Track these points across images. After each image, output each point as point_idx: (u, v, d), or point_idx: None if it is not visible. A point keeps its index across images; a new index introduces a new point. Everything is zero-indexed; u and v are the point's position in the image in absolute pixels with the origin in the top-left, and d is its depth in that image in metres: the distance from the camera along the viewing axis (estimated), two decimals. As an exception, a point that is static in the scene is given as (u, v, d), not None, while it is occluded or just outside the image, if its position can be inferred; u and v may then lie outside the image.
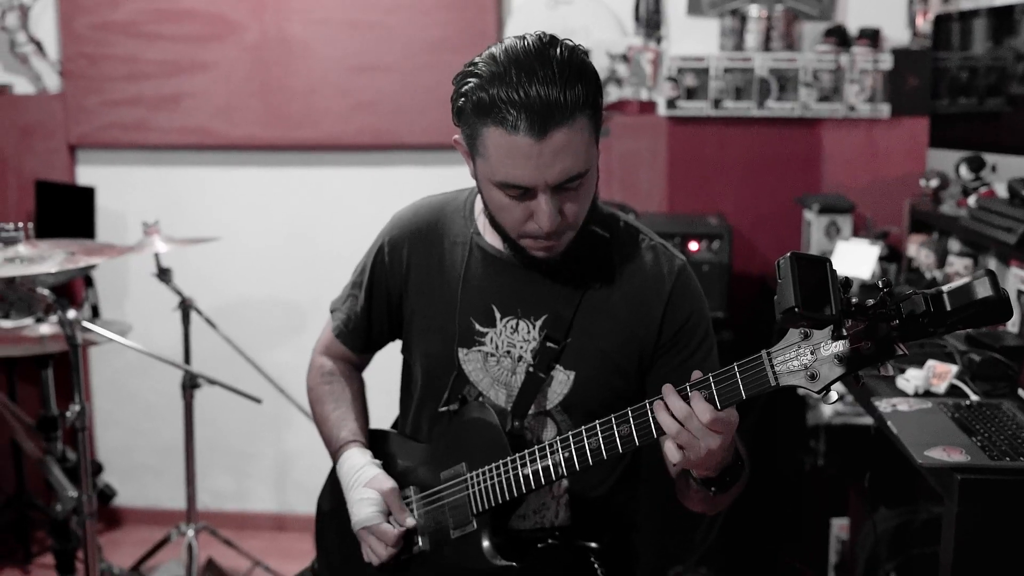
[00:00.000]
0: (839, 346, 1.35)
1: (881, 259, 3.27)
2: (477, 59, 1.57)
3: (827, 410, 3.21)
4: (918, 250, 3.14)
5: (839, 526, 3.28)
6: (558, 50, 1.53)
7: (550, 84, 1.49)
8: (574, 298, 1.75)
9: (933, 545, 2.71)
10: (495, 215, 1.66)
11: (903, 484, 2.96)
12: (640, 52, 3.66)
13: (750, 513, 3.29)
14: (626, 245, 1.80)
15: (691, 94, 3.65)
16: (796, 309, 1.25)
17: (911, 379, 2.19)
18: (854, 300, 1.30)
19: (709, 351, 1.78)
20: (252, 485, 4.12)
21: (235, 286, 3.95)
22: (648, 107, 3.70)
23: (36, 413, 2.92)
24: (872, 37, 3.54)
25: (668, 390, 1.48)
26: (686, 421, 1.45)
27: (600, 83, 1.59)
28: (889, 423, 1.97)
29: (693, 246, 3.31)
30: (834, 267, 1.29)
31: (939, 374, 2.20)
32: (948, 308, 1.29)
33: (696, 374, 1.48)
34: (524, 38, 1.56)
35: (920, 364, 2.26)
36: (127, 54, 3.82)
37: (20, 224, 2.50)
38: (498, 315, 1.78)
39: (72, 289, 3.87)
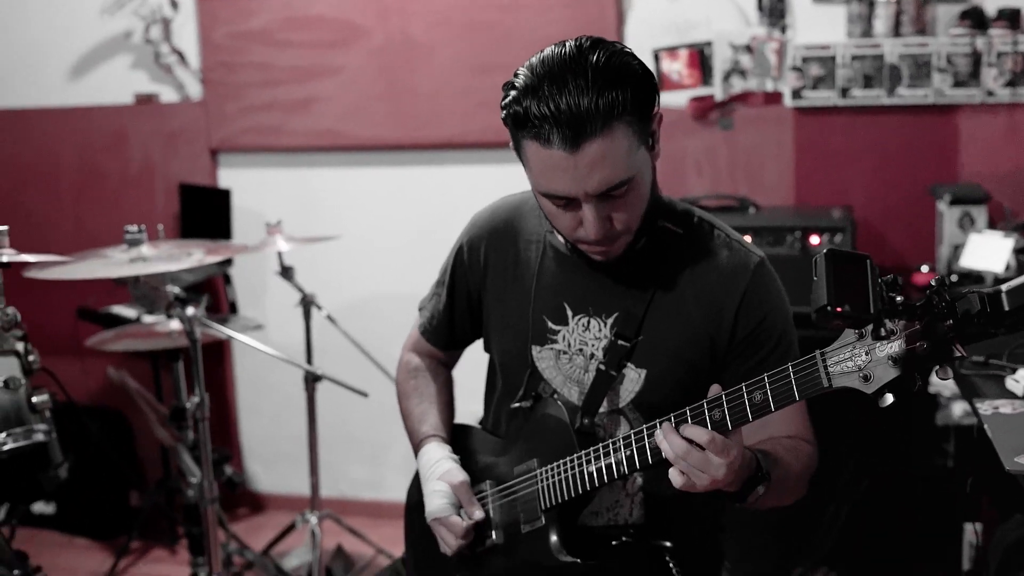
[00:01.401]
0: (894, 347, 1.29)
1: (1018, 252, 3.10)
2: (520, 69, 1.57)
3: (957, 410, 3.07)
4: (1055, 243, 2.97)
5: (971, 531, 3.13)
6: (595, 56, 1.51)
7: (581, 94, 1.48)
8: (645, 296, 1.74)
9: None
10: (550, 220, 1.67)
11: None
12: (764, 42, 3.58)
13: (877, 514, 3.19)
14: (700, 241, 1.77)
15: (817, 83, 3.54)
16: (829, 308, 1.21)
17: (1021, 380, 2.08)
18: (899, 299, 1.25)
19: (786, 353, 1.72)
20: (386, 474, 4.24)
21: (361, 284, 4.07)
22: (773, 98, 3.61)
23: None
24: (1011, 18, 3.34)
25: (667, 428, 1.50)
26: (686, 456, 1.47)
27: (648, 84, 1.56)
28: (986, 426, 1.88)
29: (814, 240, 3.21)
30: (874, 264, 1.24)
31: (1053, 375, 2.08)
32: (1006, 308, 1.22)
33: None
34: (564, 44, 1.56)
35: (1034, 364, 2.14)
36: (262, 61, 3.99)
37: (156, 226, 2.68)
38: (570, 313, 1.79)
39: (215, 287, 4.07)
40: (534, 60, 1.56)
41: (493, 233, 1.89)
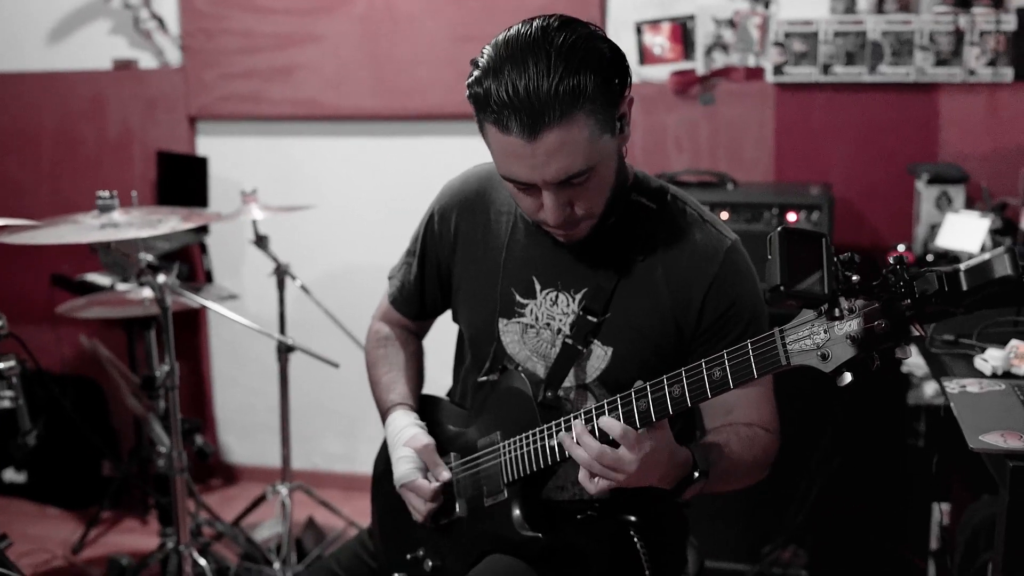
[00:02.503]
0: (852, 326, 1.29)
1: (994, 232, 3.10)
2: (486, 46, 1.54)
3: (928, 390, 3.07)
4: (1031, 223, 2.96)
5: (941, 511, 3.14)
6: (561, 37, 1.48)
7: (541, 78, 1.44)
8: (615, 273, 1.72)
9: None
10: (515, 200, 1.66)
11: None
12: (747, 17, 3.55)
13: (847, 492, 3.20)
14: (672, 220, 1.75)
15: (800, 59, 3.52)
16: (781, 287, 1.20)
17: (990, 359, 2.07)
18: (855, 278, 1.24)
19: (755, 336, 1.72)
20: (359, 447, 4.23)
21: (337, 254, 4.05)
22: (755, 73, 3.59)
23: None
24: (995, -4, 3.33)
25: (579, 427, 1.53)
26: (600, 458, 1.50)
27: (616, 69, 1.52)
28: (952, 404, 1.87)
29: (791, 217, 3.20)
30: (830, 243, 1.23)
31: (1022, 355, 2.07)
32: (964, 288, 1.22)
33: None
34: (531, 23, 1.52)
35: (1003, 343, 2.13)
36: (242, 28, 3.95)
37: (130, 193, 2.65)
38: (538, 287, 1.78)
39: (190, 256, 4.04)
40: (499, 38, 1.53)
41: (464, 202, 1.87)
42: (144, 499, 3.94)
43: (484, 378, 1.85)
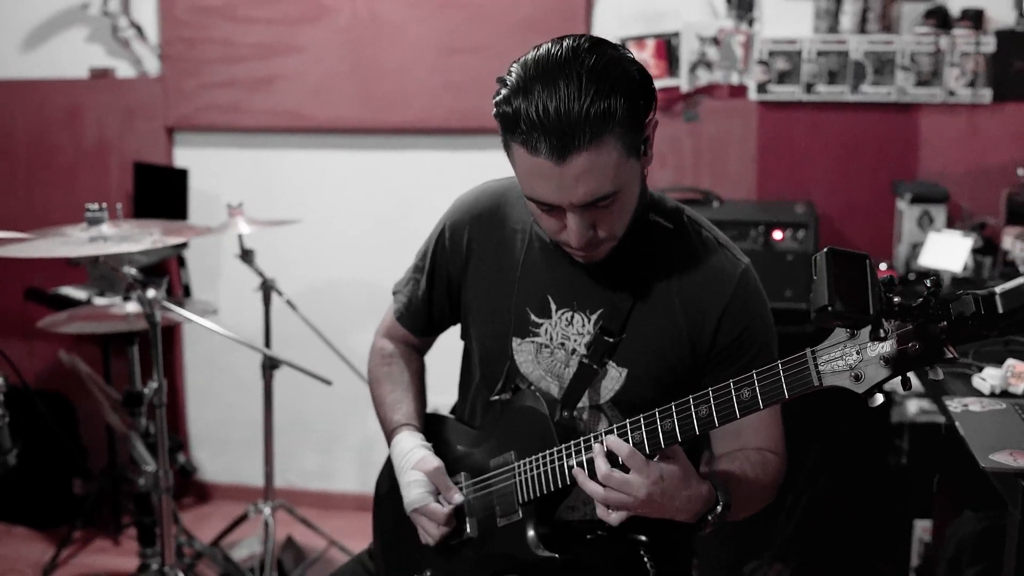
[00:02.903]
0: (886, 347, 1.29)
1: (975, 251, 3.15)
2: (514, 64, 1.53)
3: (912, 407, 3.11)
4: (1013, 243, 3.01)
5: (922, 527, 3.17)
6: (593, 59, 1.46)
7: (573, 101, 1.43)
8: (631, 293, 1.71)
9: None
10: (535, 219, 1.65)
11: (990, 487, 2.84)
12: (731, 35, 3.58)
13: (831, 509, 3.22)
14: (689, 241, 1.75)
15: (783, 78, 3.56)
16: (829, 308, 1.20)
17: (988, 378, 2.10)
18: (896, 300, 1.25)
19: (768, 360, 1.71)
20: (337, 465, 4.19)
21: (323, 268, 4.01)
22: (738, 91, 3.62)
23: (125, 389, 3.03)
24: (975, 18, 3.39)
25: (596, 449, 1.54)
26: (607, 480, 1.51)
27: (644, 92, 1.51)
28: (957, 423, 1.89)
29: (777, 235, 3.23)
30: (874, 264, 1.24)
31: (1018, 374, 2.10)
32: (1000, 310, 1.23)
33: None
34: (561, 42, 1.50)
35: (999, 363, 2.16)
36: (223, 37, 3.91)
37: (115, 205, 2.59)
38: (554, 306, 1.77)
39: (168, 269, 3.98)
40: (528, 57, 1.51)
41: (477, 219, 1.85)
42: (117, 518, 3.85)
43: (496, 397, 1.83)
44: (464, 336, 1.95)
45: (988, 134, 3.46)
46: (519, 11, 3.68)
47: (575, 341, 1.75)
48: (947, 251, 3.09)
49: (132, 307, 2.98)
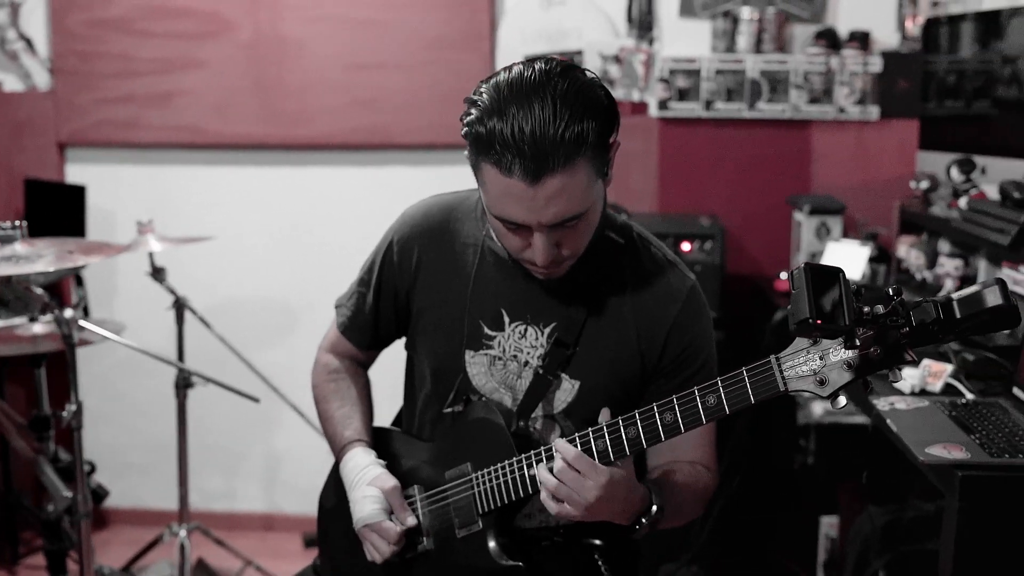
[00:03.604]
0: (849, 352, 1.37)
1: (871, 260, 3.31)
2: (483, 85, 1.54)
3: (817, 409, 3.24)
4: (908, 251, 3.18)
5: (828, 524, 3.31)
6: (566, 83, 1.49)
7: (548, 124, 1.45)
8: (584, 306, 1.75)
9: (922, 542, 2.76)
10: (498, 237, 1.67)
11: (893, 482, 2.99)
12: (632, 53, 3.68)
13: (741, 511, 3.33)
14: (639, 257, 1.80)
15: (683, 95, 3.67)
16: (811, 320, 1.26)
17: (907, 378, 2.22)
18: (866, 309, 1.32)
19: (710, 372, 1.77)
20: (241, 485, 4.11)
21: (228, 286, 3.94)
22: (640, 108, 3.72)
23: (25, 412, 2.91)
24: (862, 40, 3.57)
25: (561, 444, 1.57)
26: (561, 475, 1.55)
27: (612, 115, 1.55)
28: (888, 421, 2.00)
29: (685, 247, 3.33)
30: (847, 277, 1.31)
31: (934, 373, 2.23)
32: (958, 316, 1.31)
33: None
34: (533, 65, 1.52)
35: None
36: (119, 51, 3.81)
37: (16, 223, 2.49)
38: (507, 319, 1.79)
39: (62, 288, 3.85)
40: (500, 78, 1.53)
41: (426, 233, 1.86)
42: (13, 547, 3.69)
43: (448, 409, 1.84)
44: (410, 347, 1.95)
45: (876, 149, 3.64)
46: (425, 29, 3.71)
47: (528, 353, 1.78)
48: (846, 260, 3.24)
49: (40, 328, 2.87)
